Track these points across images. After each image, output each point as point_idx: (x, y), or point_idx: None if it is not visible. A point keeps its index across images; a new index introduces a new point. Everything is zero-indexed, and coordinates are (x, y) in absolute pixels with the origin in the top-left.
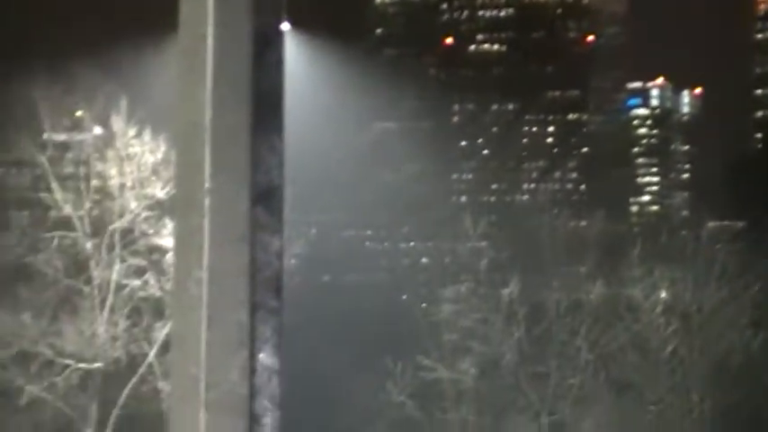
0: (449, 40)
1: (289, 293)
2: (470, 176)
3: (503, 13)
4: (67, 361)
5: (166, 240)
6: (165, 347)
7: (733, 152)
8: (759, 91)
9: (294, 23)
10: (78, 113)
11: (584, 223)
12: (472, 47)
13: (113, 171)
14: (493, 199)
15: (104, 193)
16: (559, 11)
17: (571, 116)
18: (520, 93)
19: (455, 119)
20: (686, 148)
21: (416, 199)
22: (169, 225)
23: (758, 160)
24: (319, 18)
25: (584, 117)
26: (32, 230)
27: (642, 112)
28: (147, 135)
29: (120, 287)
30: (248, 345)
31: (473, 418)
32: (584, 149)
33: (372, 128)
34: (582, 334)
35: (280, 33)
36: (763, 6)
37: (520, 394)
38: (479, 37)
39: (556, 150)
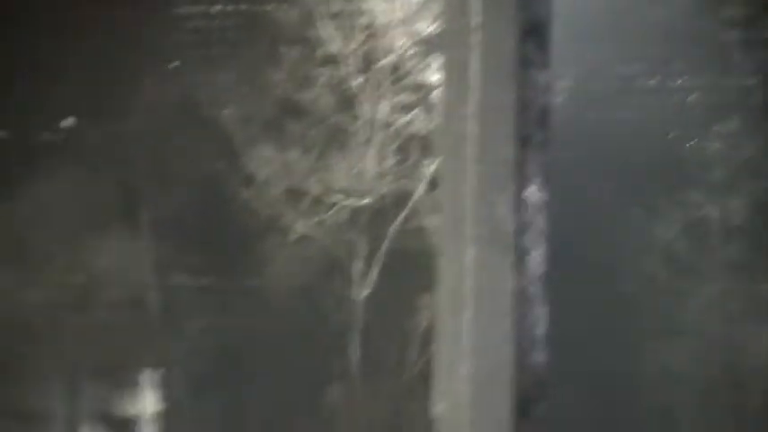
0: None
1: (556, 129)
2: (741, 12)
3: None
4: (336, 197)
5: (433, 77)
6: (433, 184)
7: None
8: None
9: None
10: None
11: None
12: None
13: (380, 8)
14: (765, 35)
15: (371, 30)
16: None
17: None
18: None
19: None
20: None
21: (687, 34)
22: (436, 62)
23: None
24: None
25: None
26: (301, 67)
27: None
28: None
29: (387, 124)
30: (516, 180)
31: (742, 257)
32: None
33: None
34: None
35: None
36: None
37: None
38: None
39: None
